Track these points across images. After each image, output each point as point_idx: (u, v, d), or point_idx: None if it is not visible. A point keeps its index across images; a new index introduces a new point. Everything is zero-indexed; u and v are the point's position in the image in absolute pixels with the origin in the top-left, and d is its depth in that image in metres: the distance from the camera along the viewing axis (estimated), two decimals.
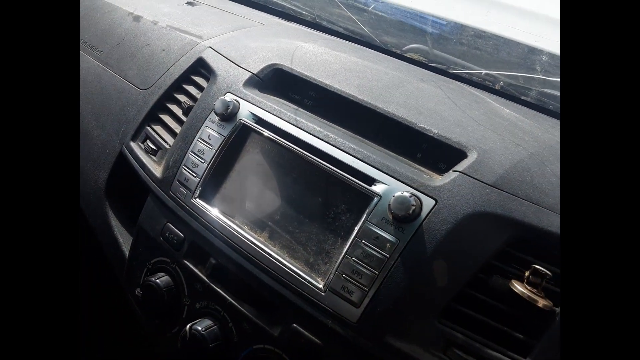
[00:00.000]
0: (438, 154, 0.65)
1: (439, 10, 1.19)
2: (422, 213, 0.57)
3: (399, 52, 1.08)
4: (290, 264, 0.62)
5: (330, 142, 0.66)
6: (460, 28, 1.16)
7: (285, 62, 0.80)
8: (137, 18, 1.06)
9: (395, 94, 0.72)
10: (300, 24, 1.19)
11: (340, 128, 0.71)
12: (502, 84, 0.96)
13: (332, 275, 0.59)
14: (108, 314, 1.34)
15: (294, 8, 1.28)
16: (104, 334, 1.38)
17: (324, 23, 1.20)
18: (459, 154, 0.62)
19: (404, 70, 0.89)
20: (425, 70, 0.95)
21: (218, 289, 0.68)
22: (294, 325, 0.61)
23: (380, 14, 1.20)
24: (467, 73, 1.00)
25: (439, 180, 0.60)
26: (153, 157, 0.82)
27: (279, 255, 0.63)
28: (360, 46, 1.04)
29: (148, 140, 0.84)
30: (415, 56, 1.09)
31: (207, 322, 0.66)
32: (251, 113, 0.72)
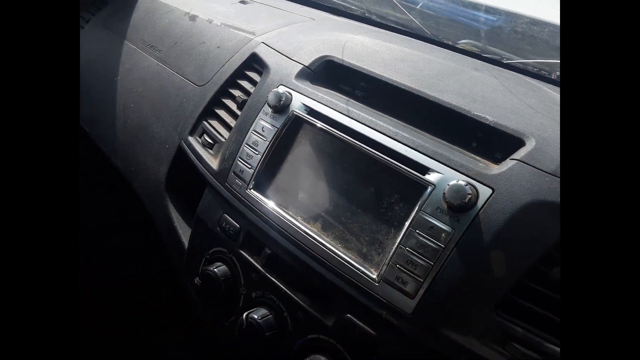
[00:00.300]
0: (494, 142, 0.63)
1: (491, 1, 1.16)
2: (478, 202, 0.55)
3: (450, 43, 1.06)
4: (344, 254, 0.62)
5: (383, 132, 0.65)
6: (514, 17, 1.12)
7: (336, 54, 0.80)
8: (192, 17, 1.10)
9: (448, 82, 0.71)
10: (350, 18, 1.19)
11: (392, 118, 0.70)
12: (558, 73, 0.92)
13: (385, 266, 0.58)
14: (166, 303, 1.40)
15: (343, 3, 1.28)
16: (163, 322, 1.44)
17: (374, 17, 1.19)
18: (516, 142, 0.60)
19: (457, 60, 0.87)
20: (479, 61, 0.92)
21: (273, 279, 0.69)
22: (348, 315, 0.61)
23: (430, 12, 1.18)
24: (521, 63, 0.96)
25: (495, 168, 0.58)
26: (210, 151, 0.85)
27: (332, 246, 0.64)
28: (411, 38, 1.02)
29: (205, 135, 0.87)
30: (467, 47, 1.06)
31: (263, 311, 0.67)
32: (303, 104, 0.73)
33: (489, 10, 1.13)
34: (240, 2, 1.19)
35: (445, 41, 1.06)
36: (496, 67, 0.90)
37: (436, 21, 1.17)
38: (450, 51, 0.98)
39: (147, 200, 0.95)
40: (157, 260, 1.10)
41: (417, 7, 1.20)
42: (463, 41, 1.09)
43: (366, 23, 1.15)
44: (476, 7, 1.11)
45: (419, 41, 1.01)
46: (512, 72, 0.89)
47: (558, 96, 0.75)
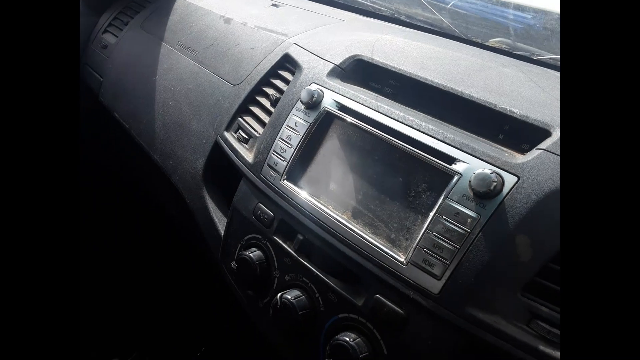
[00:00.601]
0: (521, 134, 0.65)
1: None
2: (503, 189, 0.58)
3: (479, 41, 1.08)
4: (373, 239, 0.66)
5: (411, 125, 0.69)
6: (544, 13, 1.13)
7: (366, 53, 0.84)
8: (227, 20, 1.15)
9: (475, 78, 0.74)
10: (379, 19, 1.22)
11: (420, 112, 0.73)
12: None
13: (413, 250, 0.61)
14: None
15: (372, 5, 1.32)
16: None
17: (403, 17, 1.23)
18: (543, 134, 0.62)
19: (485, 57, 0.89)
20: (508, 57, 0.95)
21: (305, 263, 0.73)
22: (377, 296, 0.64)
23: (460, 11, 1.20)
24: (552, 58, 0.98)
25: (521, 158, 0.60)
26: (245, 145, 0.89)
27: (362, 232, 0.67)
28: (440, 37, 1.05)
29: (240, 130, 0.92)
30: (497, 44, 1.08)
31: (296, 292, 0.71)
32: (334, 101, 0.76)
33: (519, 7, 1.15)
34: (272, 5, 1.24)
35: (474, 39, 1.08)
36: (526, 63, 0.92)
37: (465, 20, 1.20)
38: (480, 49, 1.00)
39: (186, 193, 1.00)
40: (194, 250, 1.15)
41: (447, 6, 1.23)
42: (493, 39, 1.11)
43: (395, 24, 1.18)
44: (505, 4, 1.13)
45: (448, 40, 1.04)
46: (541, 67, 0.91)
47: None
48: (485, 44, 1.07)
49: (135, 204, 1.70)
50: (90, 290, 1.64)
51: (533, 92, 0.70)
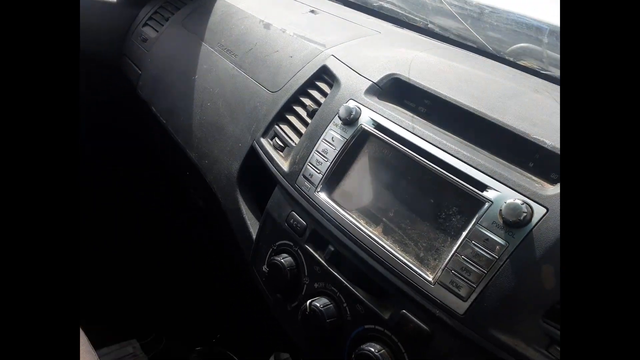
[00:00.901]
0: (550, 164, 0.68)
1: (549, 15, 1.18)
2: (532, 219, 0.61)
3: (511, 59, 1.10)
4: (402, 256, 0.70)
5: (445, 149, 0.72)
6: None
7: (403, 72, 0.86)
8: (267, 25, 1.19)
9: (509, 104, 0.76)
10: (413, 30, 1.24)
11: (453, 136, 0.76)
12: None
13: (441, 270, 0.65)
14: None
15: (407, 14, 1.34)
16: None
17: (437, 29, 1.25)
18: None
19: (518, 80, 0.92)
20: (539, 79, 0.97)
21: (335, 273, 0.77)
22: (404, 311, 0.68)
23: (494, 22, 1.22)
24: None
25: (550, 189, 0.63)
26: (280, 153, 0.93)
27: (392, 248, 0.71)
28: (472, 54, 1.07)
29: (276, 138, 0.96)
30: (528, 63, 1.10)
31: (324, 301, 0.76)
32: (371, 119, 0.80)
33: (553, 29, 1.16)
34: (311, 11, 1.27)
35: (507, 57, 1.10)
36: (556, 85, 0.94)
37: (498, 31, 1.21)
38: (511, 67, 1.02)
39: (220, 192, 1.05)
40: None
41: (479, 21, 1.24)
42: (521, 45, 1.13)
43: (429, 36, 1.20)
44: (540, 29, 1.15)
45: (481, 57, 1.06)
46: None
47: None
48: (517, 62, 1.09)
49: (167, 197, 1.77)
50: (114, 277, 1.71)
51: None
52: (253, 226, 0.96)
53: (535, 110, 0.76)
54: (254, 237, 0.93)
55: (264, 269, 0.86)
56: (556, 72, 1.03)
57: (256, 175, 0.99)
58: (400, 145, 0.75)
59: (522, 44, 1.15)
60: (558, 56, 1.08)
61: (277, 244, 0.87)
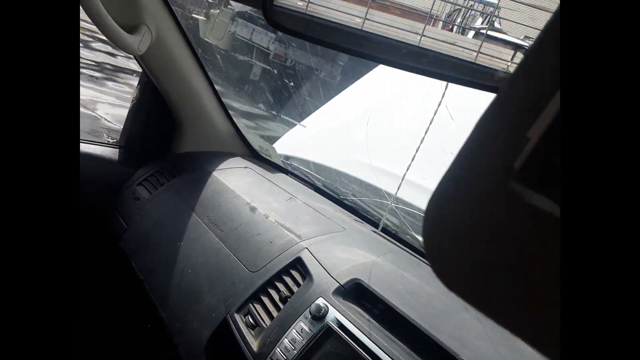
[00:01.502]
0: None
1: None
2: None
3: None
4: None
5: (391, 357, 0.89)
6: None
7: (364, 278, 1.07)
8: (253, 209, 1.40)
9: (445, 324, 0.96)
10: (371, 225, 1.50)
11: (401, 344, 0.94)
12: None
13: None
14: None
15: (368, 209, 1.61)
16: None
17: (390, 225, 1.51)
18: None
19: (452, 297, 1.13)
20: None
21: None
22: None
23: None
24: None
25: None
26: (252, 331, 1.07)
27: None
28: (420, 261, 1.31)
29: (249, 316, 1.10)
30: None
31: None
32: (336, 319, 0.97)
33: None
34: (288, 199, 1.51)
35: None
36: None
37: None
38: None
39: (185, 356, 1.14)
40: None
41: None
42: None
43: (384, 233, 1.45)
44: None
45: (428, 267, 1.29)
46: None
47: (526, 348, 0.99)
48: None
49: None
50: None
51: (486, 347, 0.92)
52: None
53: (465, 330, 0.96)
54: None
55: None
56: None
57: (226, 347, 1.10)
58: (357, 347, 0.91)
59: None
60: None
61: None
